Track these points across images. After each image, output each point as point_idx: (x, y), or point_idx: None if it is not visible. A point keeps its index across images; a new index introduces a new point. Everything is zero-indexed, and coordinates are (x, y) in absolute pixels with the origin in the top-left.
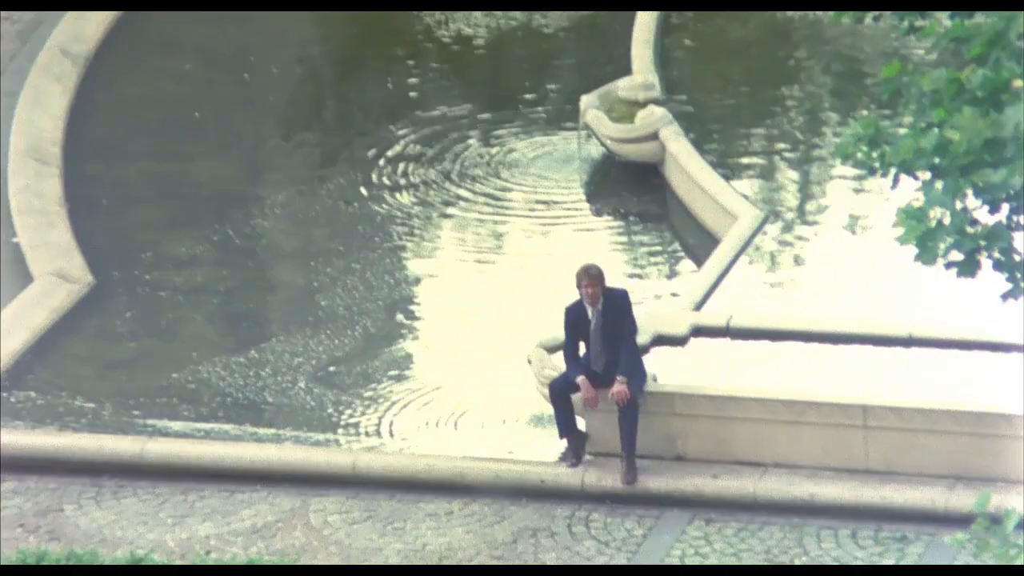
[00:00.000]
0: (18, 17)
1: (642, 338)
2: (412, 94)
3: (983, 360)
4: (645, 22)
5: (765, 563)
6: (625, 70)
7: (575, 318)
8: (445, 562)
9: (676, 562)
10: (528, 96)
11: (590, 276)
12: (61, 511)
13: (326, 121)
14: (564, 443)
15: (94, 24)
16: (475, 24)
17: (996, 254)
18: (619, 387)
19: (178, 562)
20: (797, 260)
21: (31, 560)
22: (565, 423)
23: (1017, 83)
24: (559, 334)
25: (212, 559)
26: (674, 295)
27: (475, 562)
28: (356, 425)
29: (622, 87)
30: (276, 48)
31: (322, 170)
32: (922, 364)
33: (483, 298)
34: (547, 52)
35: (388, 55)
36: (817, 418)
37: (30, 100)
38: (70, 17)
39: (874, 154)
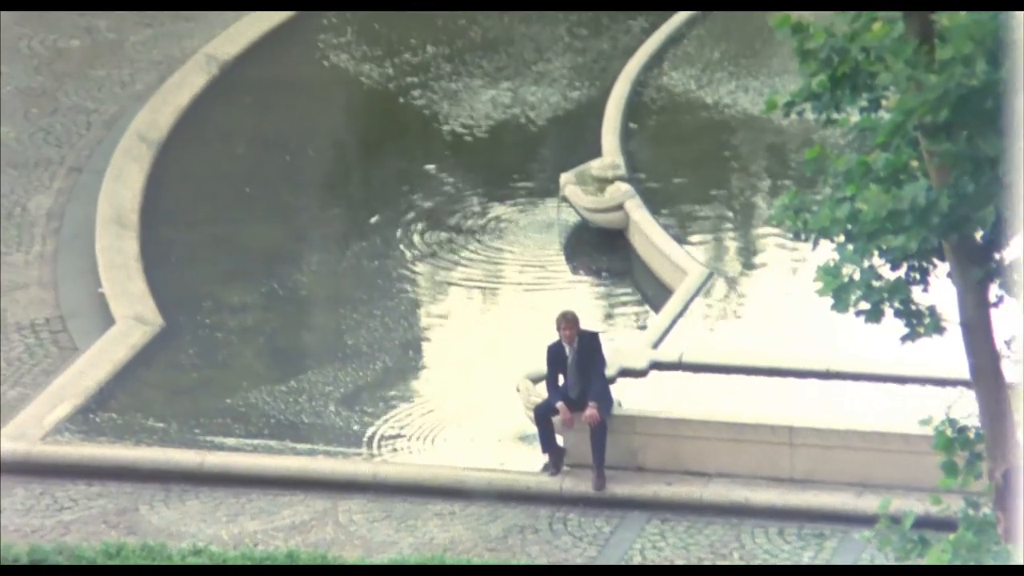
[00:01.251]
0: (104, 110)
1: (609, 371)
2: (425, 171)
3: (886, 389)
4: (613, 115)
5: (710, 554)
6: (596, 153)
7: (555, 355)
8: (449, 553)
9: (638, 554)
10: (517, 174)
11: (567, 320)
12: (137, 511)
13: (353, 193)
14: (546, 456)
15: (166, 115)
16: (477, 116)
17: (897, 304)
18: (591, 411)
19: (231, 552)
20: (737, 308)
21: (112, 551)
22: (547, 440)
23: (913, 163)
24: (542, 368)
25: (259, 550)
26: (642, 327)
27: (473, 553)
28: (376, 441)
29: (594, 167)
30: (312, 134)
31: (349, 233)
32: (838, 392)
33: (479, 338)
34: (534, 138)
35: (404, 140)
36: (752, 436)
37: (114, 176)
38: (146, 110)
39: (799, 221)
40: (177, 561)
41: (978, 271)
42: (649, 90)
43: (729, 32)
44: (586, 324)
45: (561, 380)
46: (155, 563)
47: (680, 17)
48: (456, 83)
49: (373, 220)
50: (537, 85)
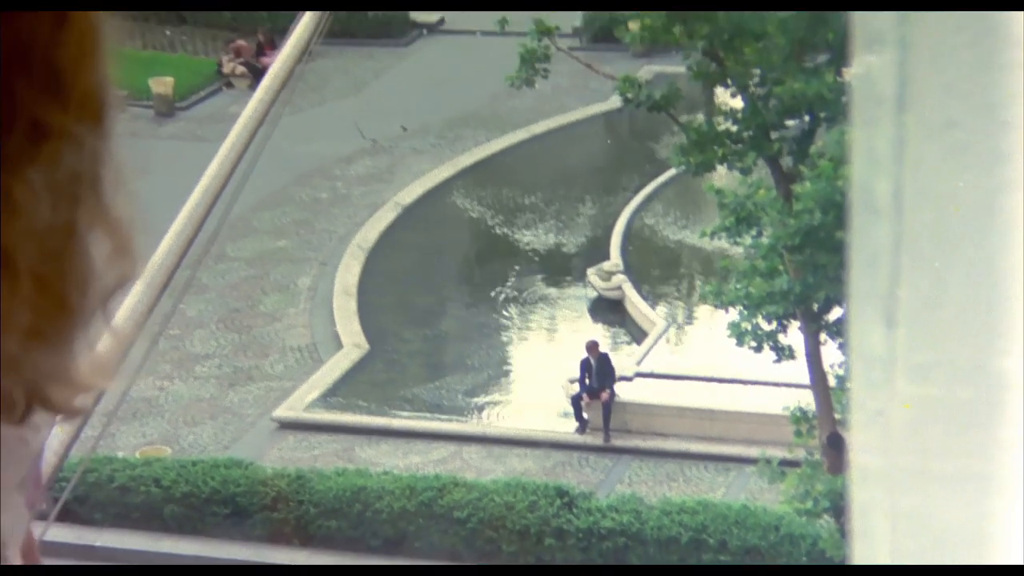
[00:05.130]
0: (339, 231)
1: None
2: (512, 269)
3: (767, 389)
4: (615, 238)
5: (665, 478)
6: (606, 258)
7: (585, 365)
8: (523, 476)
9: (626, 479)
10: (561, 271)
11: (593, 345)
12: (353, 450)
13: (474, 279)
14: (577, 423)
15: (372, 234)
16: (537, 244)
17: (771, 343)
18: (604, 395)
19: (404, 474)
20: (685, 344)
21: (339, 472)
22: (578, 414)
23: (780, 267)
24: (576, 374)
25: (419, 474)
26: (630, 354)
27: (536, 476)
28: (483, 414)
29: (605, 266)
30: (449, 246)
31: (471, 301)
32: (741, 391)
33: (540, 357)
34: (571, 252)
35: (498, 251)
36: (691, 415)
37: (344, 267)
38: (361, 231)
39: (718, 298)
40: (375, 478)
41: (814, 326)
42: (635, 226)
43: (686, 193)
44: (603, 348)
45: (587, 380)
46: (364, 479)
47: (653, 185)
48: (528, 224)
49: (492, 293)
50: (570, 226)
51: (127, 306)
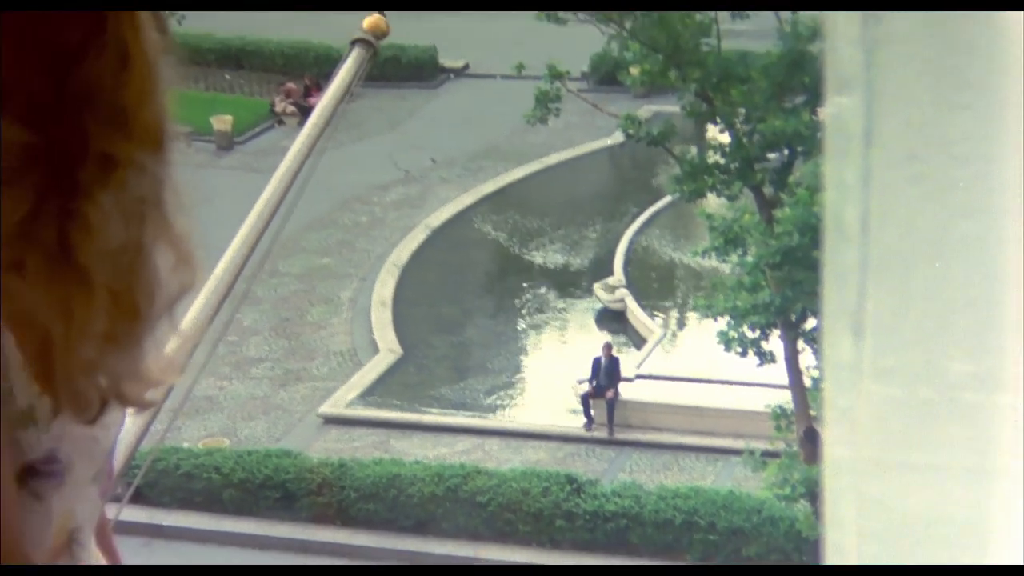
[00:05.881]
0: (377, 251)
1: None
2: (525, 285)
3: (751, 390)
4: (619, 256)
5: (661, 468)
6: (610, 273)
7: (597, 364)
8: (537, 466)
9: (627, 469)
10: (572, 285)
11: (606, 347)
12: (388, 442)
13: (494, 291)
14: (585, 419)
15: (405, 253)
16: (547, 263)
17: (755, 349)
18: (609, 393)
19: (434, 463)
20: (679, 350)
21: (376, 461)
22: (586, 410)
23: (763, 283)
24: (585, 374)
25: (446, 463)
26: (630, 349)
27: (549, 465)
28: (502, 411)
29: (610, 280)
30: (472, 265)
31: (492, 312)
32: (729, 390)
33: (554, 360)
34: (579, 270)
35: (514, 269)
36: (684, 411)
37: (380, 282)
38: (395, 251)
39: (708, 309)
40: (408, 467)
41: (792, 334)
42: (636, 246)
43: (680, 217)
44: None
45: (596, 378)
46: (398, 468)
47: (652, 210)
48: (541, 245)
49: (509, 305)
50: (578, 246)
51: (191, 314)
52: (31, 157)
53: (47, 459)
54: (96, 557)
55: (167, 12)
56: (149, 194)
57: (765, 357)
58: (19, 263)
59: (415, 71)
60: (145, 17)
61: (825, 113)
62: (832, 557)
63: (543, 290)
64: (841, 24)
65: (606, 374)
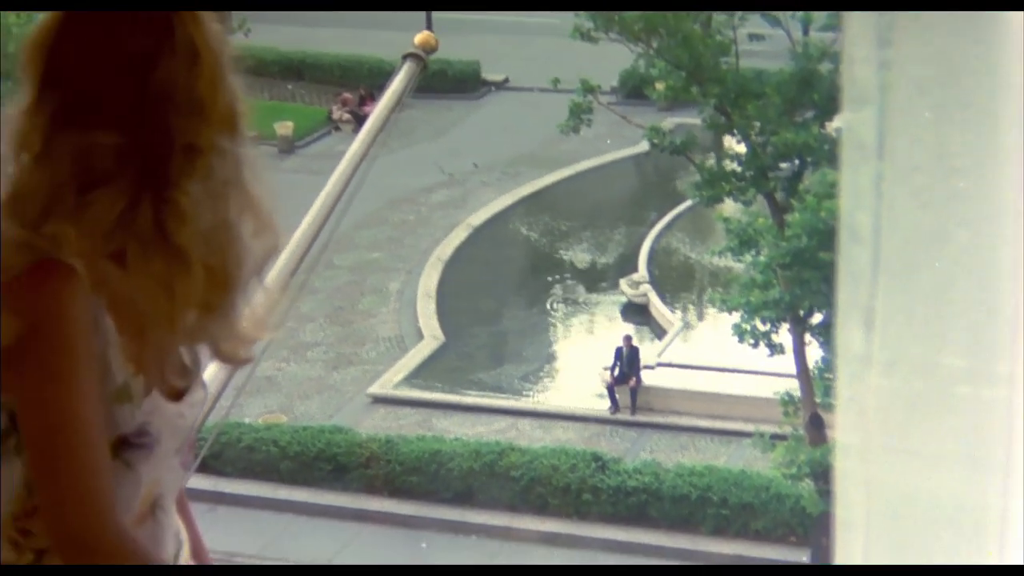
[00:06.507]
0: (422, 246)
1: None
2: (556, 280)
3: (762, 378)
4: (643, 255)
5: (679, 448)
6: (635, 270)
7: (619, 353)
8: (566, 444)
9: (648, 451)
10: (601, 280)
11: (626, 339)
12: (430, 421)
13: (529, 285)
14: (610, 403)
15: (449, 249)
16: (578, 261)
17: (766, 340)
18: (631, 381)
19: (472, 440)
20: (697, 340)
21: (421, 438)
22: (611, 395)
23: (774, 281)
24: (610, 364)
25: (483, 440)
26: (652, 339)
27: (577, 444)
28: (534, 394)
29: (634, 276)
30: (510, 260)
31: (527, 303)
32: (742, 378)
33: (582, 349)
34: (606, 266)
35: (547, 265)
36: (701, 397)
37: (425, 275)
38: (439, 247)
39: (724, 304)
40: (448, 443)
41: (800, 328)
42: (659, 246)
43: (699, 220)
44: (633, 344)
45: (619, 366)
46: (439, 444)
47: (673, 213)
48: (572, 243)
49: (542, 299)
50: (606, 245)
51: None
52: (124, 157)
53: (139, 432)
54: (176, 521)
55: (234, 27)
56: (231, 174)
57: (775, 348)
58: (119, 253)
59: (459, 84)
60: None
61: (841, 127)
62: (841, 532)
63: (573, 285)
64: (856, 47)
65: (628, 363)
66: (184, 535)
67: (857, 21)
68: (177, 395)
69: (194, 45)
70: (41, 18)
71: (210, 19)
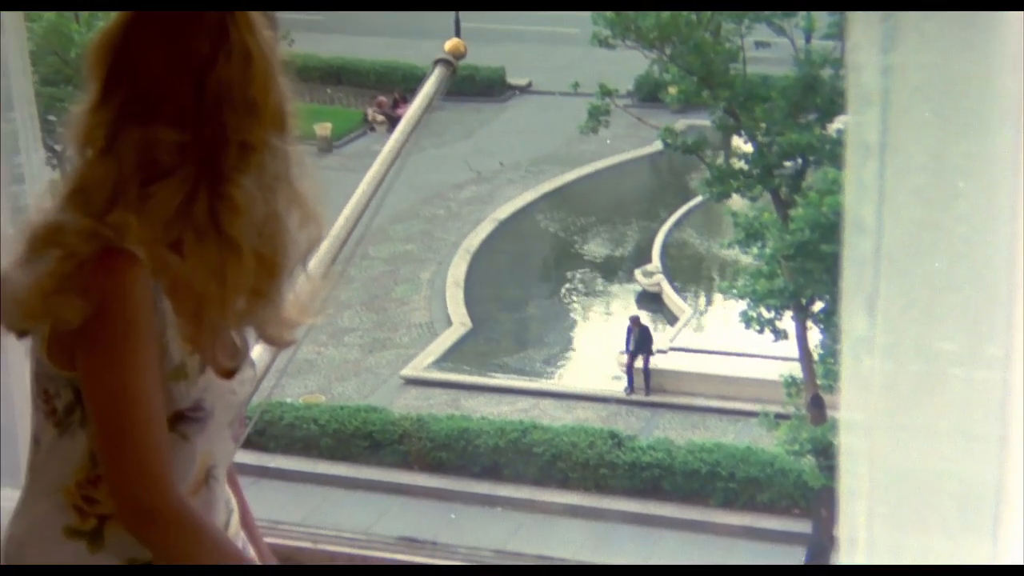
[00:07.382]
0: (452, 239)
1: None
2: (575, 273)
3: (768, 362)
4: (656, 247)
5: (690, 427)
6: (649, 261)
7: (629, 334)
8: (585, 423)
9: (661, 429)
10: (619, 269)
11: (633, 319)
12: (459, 401)
13: (549, 277)
14: (626, 383)
15: (476, 242)
16: (597, 254)
17: (771, 327)
18: (640, 359)
19: (497, 419)
20: (707, 326)
21: (450, 416)
22: (629, 377)
23: (779, 271)
24: (623, 348)
25: (508, 419)
26: (665, 325)
27: (595, 422)
28: (555, 375)
29: (648, 267)
30: (533, 253)
31: (548, 293)
32: (749, 362)
33: (600, 333)
34: (622, 257)
35: (568, 256)
36: (712, 379)
37: (454, 266)
38: (467, 239)
39: (732, 292)
40: (475, 422)
41: (802, 315)
42: (671, 238)
43: (709, 214)
44: (645, 325)
45: (630, 345)
46: (467, 422)
47: (685, 208)
48: (590, 236)
49: (563, 288)
50: (622, 238)
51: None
52: (182, 153)
53: (194, 407)
54: (227, 491)
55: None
56: (281, 170)
57: (779, 334)
58: (178, 242)
59: (486, 88)
60: (258, 17)
61: (847, 126)
62: (845, 503)
63: (591, 275)
64: (860, 54)
65: (637, 342)
66: (234, 504)
67: (860, 29)
68: (229, 373)
69: (248, 49)
70: (106, 22)
71: (262, 25)
